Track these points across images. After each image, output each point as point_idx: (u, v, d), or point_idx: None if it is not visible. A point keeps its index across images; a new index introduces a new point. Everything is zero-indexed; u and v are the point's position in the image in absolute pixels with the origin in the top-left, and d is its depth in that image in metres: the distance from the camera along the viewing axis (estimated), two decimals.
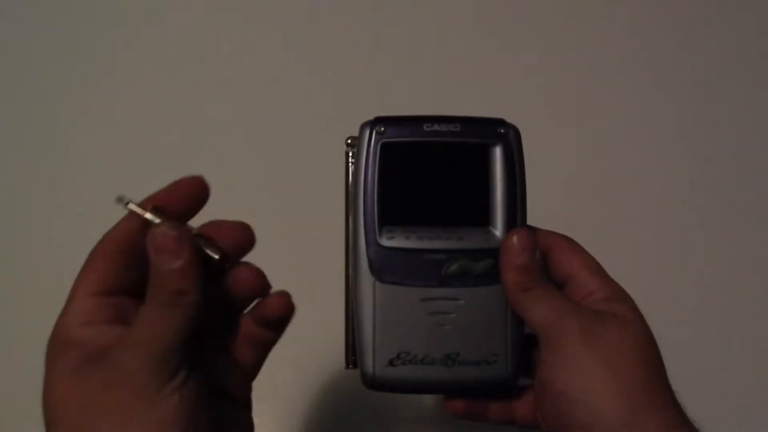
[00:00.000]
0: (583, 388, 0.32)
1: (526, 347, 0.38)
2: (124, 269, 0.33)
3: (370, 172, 0.37)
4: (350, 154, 0.39)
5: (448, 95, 0.66)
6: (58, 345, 0.32)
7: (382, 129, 0.37)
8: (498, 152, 0.37)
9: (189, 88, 0.67)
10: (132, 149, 0.65)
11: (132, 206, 0.33)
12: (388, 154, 0.37)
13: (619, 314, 0.34)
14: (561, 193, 0.62)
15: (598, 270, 0.37)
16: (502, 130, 0.38)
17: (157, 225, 0.32)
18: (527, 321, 0.36)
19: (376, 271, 0.37)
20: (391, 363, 0.38)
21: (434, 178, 0.38)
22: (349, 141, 0.39)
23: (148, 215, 0.33)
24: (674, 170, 0.65)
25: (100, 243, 0.33)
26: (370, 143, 0.37)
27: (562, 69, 0.68)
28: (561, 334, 0.34)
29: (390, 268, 0.37)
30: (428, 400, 0.54)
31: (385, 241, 0.37)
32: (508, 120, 0.38)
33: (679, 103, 0.68)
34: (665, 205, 0.64)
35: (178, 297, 0.31)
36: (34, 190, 0.64)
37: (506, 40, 0.70)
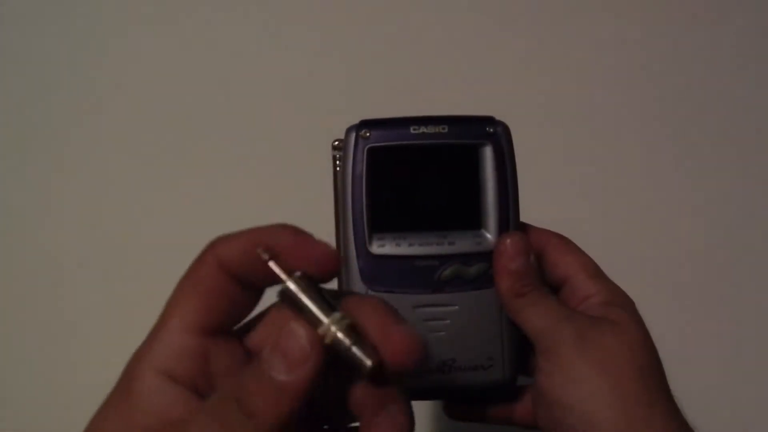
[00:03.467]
0: (578, 396, 0.32)
1: (525, 349, 0.37)
2: (228, 300, 0.26)
3: (357, 178, 0.36)
4: (337, 158, 0.38)
5: (437, 93, 0.65)
6: (121, 379, 0.25)
7: (368, 133, 0.36)
8: (488, 152, 0.36)
9: (178, 92, 0.66)
10: (116, 152, 0.64)
11: (274, 267, 0.25)
12: (375, 159, 0.36)
13: (615, 320, 0.34)
14: (554, 192, 0.61)
15: (595, 272, 0.36)
16: (491, 129, 0.37)
17: (294, 321, 0.24)
18: (522, 327, 0.35)
19: (368, 279, 0.36)
20: None
21: (423, 181, 0.37)
22: (335, 143, 0.38)
23: (292, 285, 0.25)
24: (670, 168, 0.64)
25: (205, 252, 0.26)
26: (356, 148, 0.36)
27: (553, 63, 0.67)
28: (555, 341, 0.33)
29: (381, 276, 0.36)
30: (427, 403, 0.53)
31: (376, 249, 0.36)
32: (498, 117, 0.38)
33: (675, 100, 0.66)
34: (661, 203, 0.63)
35: (250, 420, 0.23)
36: (31, 192, 0.64)
37: (494, 34, 0.68)
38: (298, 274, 0.25)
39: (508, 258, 0.34)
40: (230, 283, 0.26)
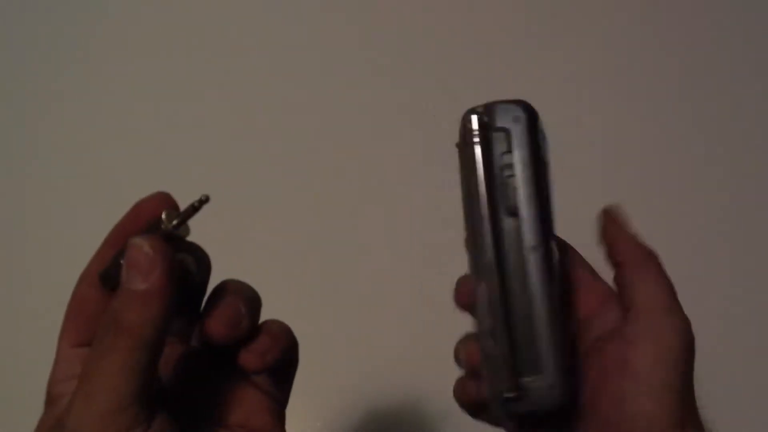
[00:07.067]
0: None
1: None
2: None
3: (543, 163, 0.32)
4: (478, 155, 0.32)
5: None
6: (45, 402, 0.29)
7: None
8: None
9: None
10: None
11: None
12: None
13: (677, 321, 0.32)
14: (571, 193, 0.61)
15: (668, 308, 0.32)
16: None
17: (133, 236, 0.27)
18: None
19: None
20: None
21: None
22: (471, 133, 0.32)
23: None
24: (671, 165, 0.65)
25: (77, 285, 0.30)
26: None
27: (554, 61, 0.68)
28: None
29: None
30: (424, 400, 0.54)
31: None
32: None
33: (680, 97, 0.67)
34: (662, 200, 0.63)
35: (128, 334, 0.26)
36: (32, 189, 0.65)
37: (494, 31, 0.69)
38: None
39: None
40: (104, 294, 0.29)
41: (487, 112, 0.31)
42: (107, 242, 0.30)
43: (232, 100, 0.67)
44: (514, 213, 0.31)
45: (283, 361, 0.32)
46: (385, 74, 0.68)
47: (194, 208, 0.28)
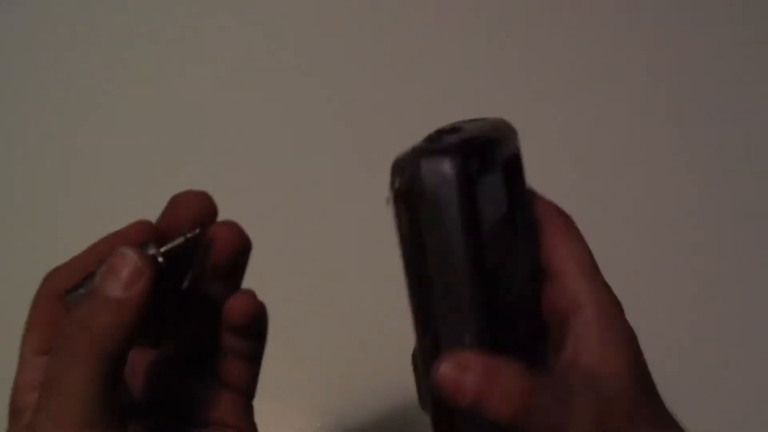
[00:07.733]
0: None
1: None
2: None
3: None
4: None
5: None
6: (10, 413, 0.28)
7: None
8: None
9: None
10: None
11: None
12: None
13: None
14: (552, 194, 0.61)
15: (587, 269, 0.30)
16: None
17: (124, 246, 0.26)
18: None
19: None
20: None
21: None
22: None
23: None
24: (669, 167, 0.65)
25: (41, 288, 0.29)
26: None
27: (548, 65, 0.68)
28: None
29: None
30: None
31: None
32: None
33: (676, 99, 0.67)
34: (657, 204, 0.63)
35: (95, 340, 0.25)
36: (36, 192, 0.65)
37: (491, 35, 0.69)
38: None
39: None
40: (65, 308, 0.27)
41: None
42: (83, 256, 0.29)
43: (227, 101, 0.67)
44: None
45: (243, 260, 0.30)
46: (384, 77, 0.68)
47: (185, 243, 0.28)
